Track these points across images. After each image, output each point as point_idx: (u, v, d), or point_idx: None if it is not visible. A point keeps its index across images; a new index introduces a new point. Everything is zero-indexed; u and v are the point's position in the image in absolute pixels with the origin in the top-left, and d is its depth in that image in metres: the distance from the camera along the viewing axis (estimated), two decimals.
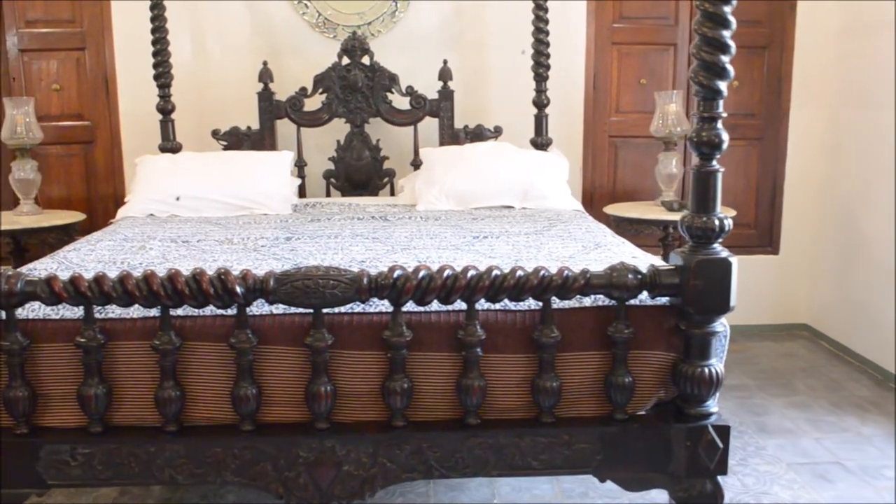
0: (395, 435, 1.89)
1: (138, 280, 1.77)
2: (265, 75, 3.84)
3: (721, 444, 1.89)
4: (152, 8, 3.68)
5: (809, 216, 4.37)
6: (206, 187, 3.40)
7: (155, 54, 3.72)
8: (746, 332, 4.29)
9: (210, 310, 1.88)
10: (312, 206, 3.56)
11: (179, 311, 1.87)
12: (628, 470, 1.95)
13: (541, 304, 1.88)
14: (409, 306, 1.85)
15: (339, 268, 1.82)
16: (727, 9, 1.78)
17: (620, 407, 1.93)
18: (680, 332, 1.92)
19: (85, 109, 4.10)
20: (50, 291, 1.78)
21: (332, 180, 3.98)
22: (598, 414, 1.97)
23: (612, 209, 3.94)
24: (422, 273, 1.79)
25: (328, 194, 3.98)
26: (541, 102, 3.94)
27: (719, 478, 1.94)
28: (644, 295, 1.90)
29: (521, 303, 1.91)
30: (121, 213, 3.39)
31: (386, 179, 4.00)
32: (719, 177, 1.87)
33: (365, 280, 1.79)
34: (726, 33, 1.79)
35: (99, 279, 1.77)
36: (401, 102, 3.91)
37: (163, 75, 3.75)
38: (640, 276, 1.87)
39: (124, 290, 1.76)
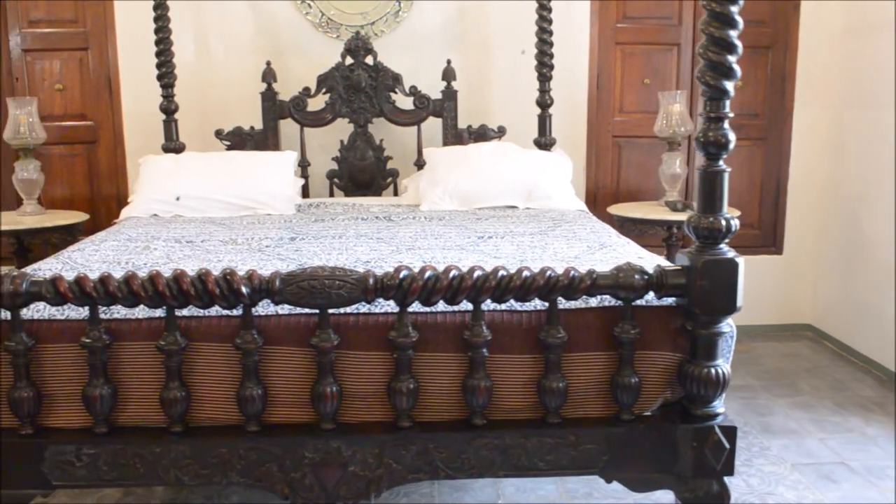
0: (401, 436, 1.88)
1: (144, 280, 1.77)
2: (268, 75, 3.83)
3: (728, 445, 1.89)
4: (155, 8, 3.68)
5: (813, 216, 4.37)
6: (210, 187, 3.40)
7: (158, 54, 3.72)
8: (750, 332, 4.28)
9: (215, 310, 1.87)
10: (316, 206, 3.56)
11: (185, 312, 1.87)
12: (635, 471, 1.94)
13: (547, 304, 1.87)
14: (415, 307, 1.85)
15: (344, 268, 1.81)
16: (734, 9, 1.77)
17: (627, 408, 1.92)
18: (686, 332, 1.92)
19: (88, 109, 4.10)
20: (55, 292, 1.77)
21: (336, 180, 3.98)
22: (605, 415, 1.96)
23: (616, 209, 3.93)
24: (428, 273, 1.78)
25: (331, 194, 3.98)
26: (544, 102, 3.93)
27: (725, 478, 1.93)
28: (650, 295, 1.90)
29: (527, 303, 1.90)
30: (124, 213, 3.39)
31: (389, 179, 4.00)
32: (726, 177, 1.87)
33: (371, 280, 1.78)
34: (733, 33, 1.79)
35: (104, 279, 1.77)
36: (404, 102, 3.91)
37: (166, 75, 3.75)
38: (646, 277, 1.86)
39: (130, 290, 1.76)
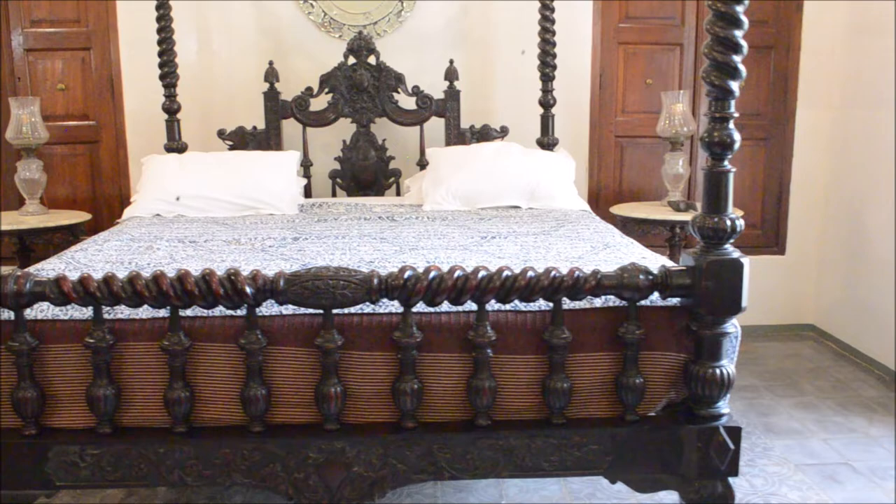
0: (405, 436, 1.88)
1: (148, 280, 1.76)
2: (271, 75, 3.83)
3: (732, 446, 1.88)
4: (158, 7, 3.67)
5: (816, 216, 4.36)
6: (212, 187, 3.40)
7: (160, 54, 3.71)
8: (753, 332, 4.28)
9: (219, 310, 1.87)
10: (319, 206, 3.55)
11: (188, 312, 1.87)
12: (639, 471, 1.94)
13: (551, 304, 1.87)
14: (420, 307, 1.85)
15: (348, 268, 1.81)
16: (739, 8, 1.77)
17: (631, 408, 1.92)
18: (691, 333, 1.91)
19: (90, 109, 4.10)
20: (59, 292, 1.77)
21: (338, 180, 3.98)
22: (609, 415, 1.96)
23: (619, 209, 3.93)
24: (432, 274, 1.78)
25: (334, 194, 3.97)
26: (547, 102, 3.93)
27: (729, 479, 1.93)
28: (655, 296, 1.89)
29: (532, 304, 1.90)
30: (127, 213, 3.39)
31: (392, 179, 3.99)
32: (731, 177, 1.86)
33: (375, 281, 1.78)
34: (738, 33, 1.78)
35: (108, 279, 1.76)
36: (407, 102, 3.91)
37: (168, 75, 3.74)
38: (651, 277, 1.86)
39: (134, 290, 1.76)
